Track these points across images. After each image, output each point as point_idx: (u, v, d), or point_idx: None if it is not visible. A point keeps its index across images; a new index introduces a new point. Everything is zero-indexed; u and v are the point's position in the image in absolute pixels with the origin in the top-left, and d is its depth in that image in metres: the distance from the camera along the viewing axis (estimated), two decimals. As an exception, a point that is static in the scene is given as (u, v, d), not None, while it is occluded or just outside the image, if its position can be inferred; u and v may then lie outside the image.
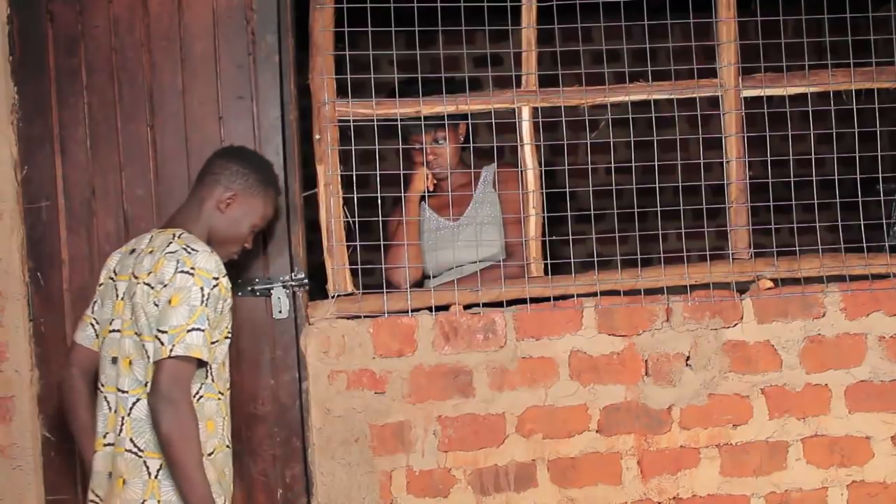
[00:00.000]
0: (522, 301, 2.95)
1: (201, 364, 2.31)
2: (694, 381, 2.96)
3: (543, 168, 3.00)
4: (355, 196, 2.96)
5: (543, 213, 3.00)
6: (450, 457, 2.91)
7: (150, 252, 2.37)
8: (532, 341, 2.93)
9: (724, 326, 2.96)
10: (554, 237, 3.07)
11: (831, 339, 2.99)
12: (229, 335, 2.42)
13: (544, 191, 3.00)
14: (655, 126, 3.07)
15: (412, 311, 2.92)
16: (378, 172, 2.97)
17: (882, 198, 3.12)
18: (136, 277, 2.36)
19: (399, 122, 2.96)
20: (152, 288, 2.31)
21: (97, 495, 2.41)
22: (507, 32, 3.10)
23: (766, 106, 3.01)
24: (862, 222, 3.03)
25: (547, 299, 2.95)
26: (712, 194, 3.12)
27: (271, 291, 2.90)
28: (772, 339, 2.98)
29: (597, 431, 2.95)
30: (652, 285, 2.97)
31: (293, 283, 2.90)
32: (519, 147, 2.99)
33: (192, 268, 2.30)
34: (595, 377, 2.94)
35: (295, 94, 2.96)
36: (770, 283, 3.00)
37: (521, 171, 2.99)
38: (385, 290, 2.92)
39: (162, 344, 2.24)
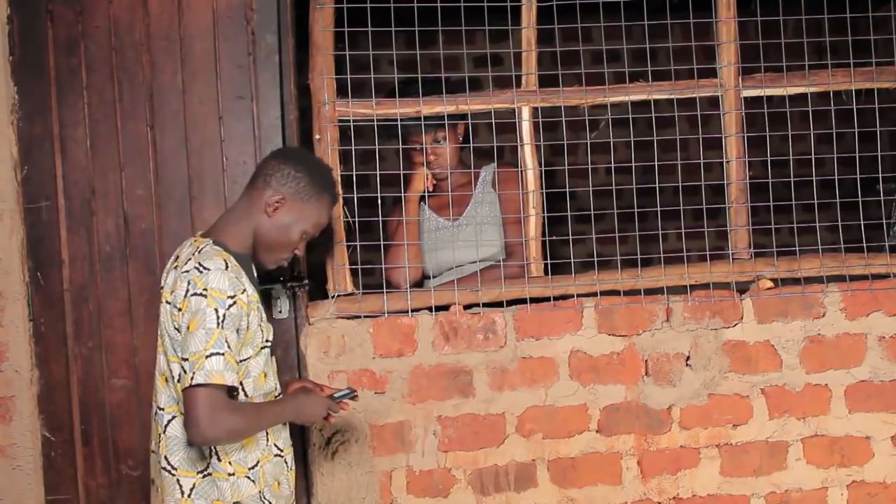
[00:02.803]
0: (522, 301, 2.95)
1: (230, 388, 2.21)
2: (694, 381, 2.96)
3: (543, 168, 3.00)
4: (355, 196, 2.96)
5: (543, 213, 3.00)
6: (450, 457, 2.91)
7: (176, 267, 2.29)
8: (532, 341, 2.93)
9: (724, 326, 2.96)
10: (554, 237, 3.06)
11: (831, 339, 2.99)
12: (266, 345, 2.32)
13: (544, 191, 2.99)
14: (655, 126, 3.07)
15: (412, 311, 2.92)
16: (378, 172, 2.97)
17: (882, 198, 3.12)
18: (164, 293, 2.30)
19: (399, 122, 2.96)
20: (171, 308, 2.24)
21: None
22: (507, 32, 3.10)
23: (766, 106, 3.01)
24: (862, 222, 3.03)
25: (547, 299, 2.95)
26: (712, 194, 3.12)
27: (271, 291, 2.90)
28: (772, 339, 2.98)
29: (597, 431, 2.95)
30: (652, 285, 2.97)
31: (293, 283, 2.90)
32: (519, 147, 2.99)
33: (205, 289, 2.18)
34: (595, 377, 2.94)
35: (295, 94, 2.96)
36: (770, 283, 3.00)
37: (521, 171, 2.99)
38: (385, 290, 2.92)
39: (184, 371, 2.18)
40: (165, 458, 2.27)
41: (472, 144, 3.07)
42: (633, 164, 3.06)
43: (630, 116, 3.06)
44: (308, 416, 2.40)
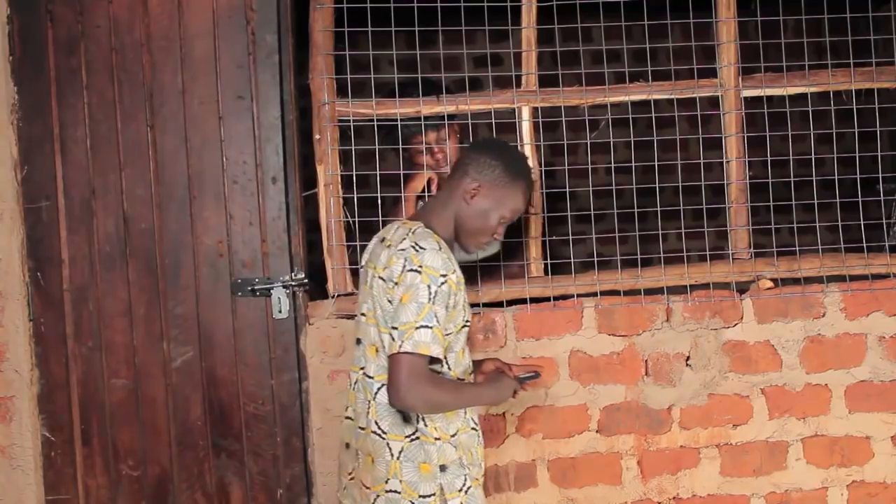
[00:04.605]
0: (522, 301, 2.95)
1: (434, 360, 2.34)
2: (694, 381, 2.96)
3: (543, 168, 3.00)
4: (355, 196, 2.96)
5: (543, 212, 3.00)
6: (450, 457, 2.90)
7: (388, 246, 2.40)
8: (532, 341, 2.93)
9: (724, 326, 2.96)
10: (554, 237, 3.06)
11: (831, 339, 2.99)
12: (466, 324, 2.44)
13: (544, 191, 3.00)
14: (655, 126, 3.07)
15: (412, 311, 2.91)
16: (378, 172, 2.97)
17: (882, 198, 3.12)
18: (375, 269, 2.41)
19: (399, 122, 2.96)
20: (385, 283, 2.36)
21: (349, 466, 2.49)
22: (507, 32, 3.10)
23: (766, 106, 3.01)
24: (862, 222, 3.03)
25: (547, 299, 2.95)
26: (712, 194, 3.12)
27: (271, 291, 2.90)
28: (772, 339, 2.98)
29: (597, 431, 2.95)
30: (652, 285, 2.97)
31: (293, 283, 2.90)
32: (519, 147, 2.99)
33: (420, 266, 2.31)
34: (595, 377, 2.94)
35: (295, 94, 2.96)
36: (770, 283, 3.00)
37: (521, 171, 2.99)
38: (385, 290, 2.92)
39: (393, 339, 2.30)
40: (375, 422, 2.39)
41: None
42: (633, 164, 3.06)
43: (630, 116, 3.06)
44: (500, 401, 2.53)
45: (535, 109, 2.99)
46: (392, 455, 2.36)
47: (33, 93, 2.88)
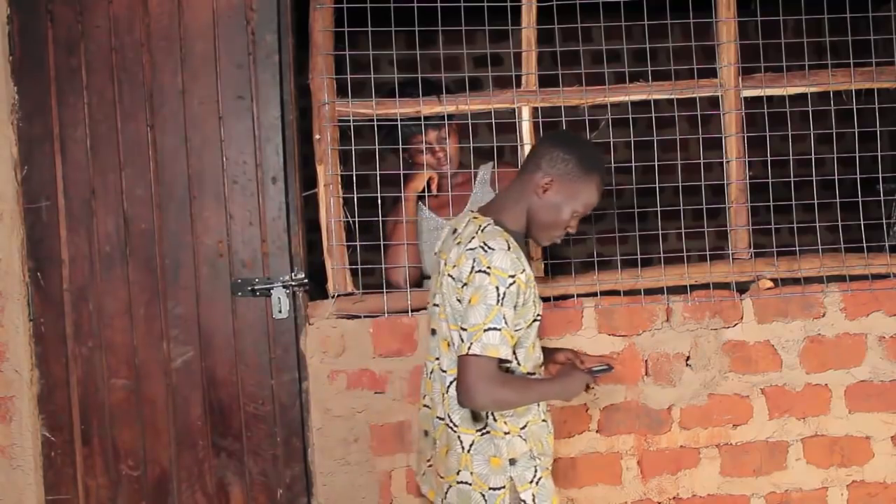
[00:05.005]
0: (522, 301, 2.95)
1: (503, 360, 2.34)
2: (694, 381, 2.96)
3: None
4: (355, 196, 2.96)
5: (543, 213, 2.99)
6: (450, 457, 2.91)
7: (458, 243, 2.41)
8: (532, 341, 2.92)
9: (724, 326, 2.96)
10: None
11: (831, 339, 2.99)
12: (538, 318, 2.44)
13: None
14: (655, 126, 3.07)
15: (412, 310, 2.92)
16: (378, 172, 2.97)
17: (882, 198, 3.12)
18: (445, 263, 2.43)
19: (399, 123, 2.96)
20: (455, 282, 2.37)
21: (427, 453, 2.53)
22: (507, 32, 3.10)
23: (766, 106, 3.01)
24: (862, 222, 3.03)
25: (547, 299, 2.95)
26: (712, 194, 3.12)
27: (271, 291, 2.90)
28: (772, 339, 2.98)
29: (597, 431, 2.95)
30: (652, 285, 2.97)
31: (293, 283, 2.90)
32: (519, 147, 2.99)
33: (489, 267, 2.31)
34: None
35: (295, 94, 2.96)
36: (770, 283, 3.00)
37: (521, 171, 2.99)
38: (385, 290, 2.92)
39: (462, 341, 2.31)
40: (448, 415, 2.42)
41: (471, 144, 3.07)
42: (633, 164, 3.06)
43: (630, 116, 3.06)
44: (571, 396, 2.49)
45: (535, 109, 2.99)
46: (463, 448, 2.39)
47: (33, 93, 2.88)
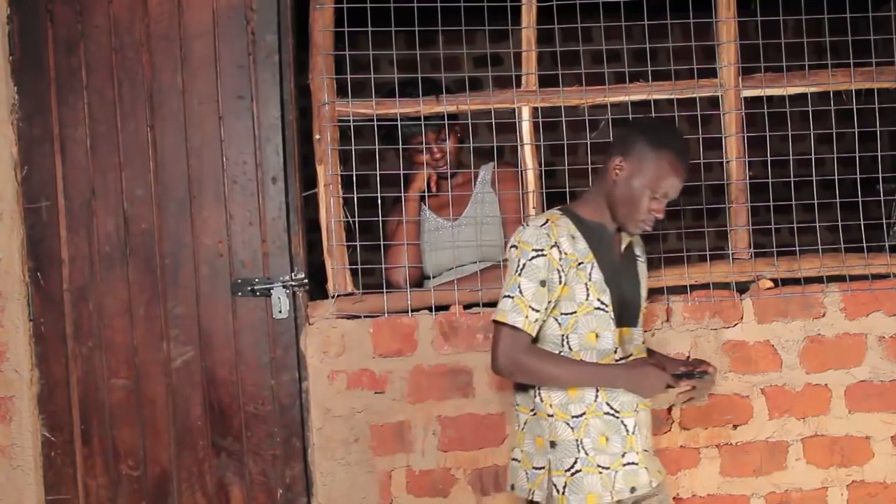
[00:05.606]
0: (522, 301, 2.94)
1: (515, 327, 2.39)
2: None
3: (543, 168, 3.00)
4: (355, 196, 2.96)
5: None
6: (450, 457, 2.91)
7: None
8: (532, 341, 2.92)
9: (724, 326, 2.96)
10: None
11: (831, 339, 2.99)
12: (599, 305, 2.43)
13: (544, 191, 3.00)
14: (655, 126, 3.06)
15: (412, 311, 2.92)
16: (378, 172, 2.97)
17: (882, 198, 3.12)
18: None
19: (399, 123, 2.97)
20: None
21: None
22: (507, 32, 3.10)
23: (766, 106, 3.01)
24: (862, 222, 3.03)
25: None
26: (712, 194, 3.11)
27: (271, 291, 2.90)
28: (772, 339, 2.98)
29: (597, 431, 2.95)
30: (652, 285, 2.96)
31: (293, 283, 2.90)
32: (519, 147, 2.99)
33: (518, 242, 2.44)
34: (595, 377, 2.94)
35: (295, 94, 2.96)
36: (770, 283, 3.00)
37: (521, 171, 2.99)
38: (385, 290, 2.92)
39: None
40: (513, 393, 2.54)
41: (471, 144, 3.07)
42: (633, 164, 3.06)
43: (630, 116, 3.05)
44: (644, 391, 2.44)
45: (535, 109, 2.99)
46: (519, 426, 2.50)
47: (33, 93, 2.88)
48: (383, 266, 3.03)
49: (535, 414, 2.45)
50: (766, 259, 3.02)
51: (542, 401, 2.43)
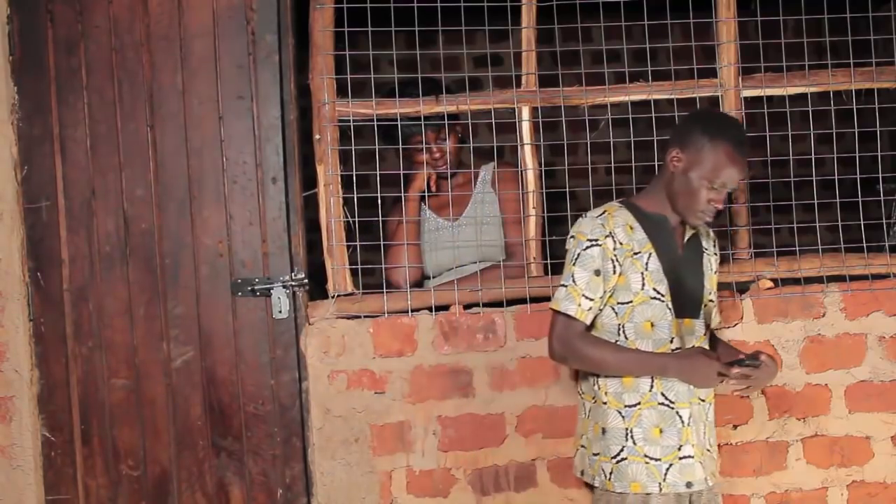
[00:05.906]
0: (522, 301, 2.95)
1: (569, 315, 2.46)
2: (694, 381, 2.95)
3: (543, 168, 3.00)
4: (355, 196, 2.96)
5: (543, 212, 3.00)
6: (450, 457, 2.91)
7: None
8: (532, 341, 2.92)
9: (724, 326, 2.96)
10: (554, 237, 3.06)
11: (831, 339, 2.99)
12: (655, 295, 2.47)
13: (544, 191, 3.00)
14: (655, 126, 3.06)
15: (412, 311, 2.92)
16: (378, 172, 2.97)
17: (882, 198, 3.12)
18: None
19: (399, 123, 2.97)
20: None
21: None
22: (507, 32, 3.10)
23: (766, 106, 3.01)
24: (862, 222, 3.03)
25: (547, 299, 2.94)
26: (712, 194, 3.10)
27: (271, 291, 2.90)
28: (772, 339, 2.97)
29: (597, 431, 2.95)
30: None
31: (293, 283, 2.90)
32: (519, 147, 2.99)
33: (575, 232, 2.51)
34: (595, 377, 2.94)
35: (295, 94, 2.96)
36: (770, 283, 3.00)
37: (521, 171, 2.99)
38: (385, 290, 2.92)
39: None
40: (578, 382, 2.63)
41: (471, 144, 3.07)
42: (634, 165, 3.06)
43: (630, 116, 3.06)
44: (696, 380, 2.45)
45: (535, 109, 2.99)
46: (585, 413, 2.58)
47: (33, 93, 2.88)
48: (383, 266, 3.03)
49: (595, 401, 2.52)
50: (766, 259, 3.02)
51: (598, 388, 2.50)
